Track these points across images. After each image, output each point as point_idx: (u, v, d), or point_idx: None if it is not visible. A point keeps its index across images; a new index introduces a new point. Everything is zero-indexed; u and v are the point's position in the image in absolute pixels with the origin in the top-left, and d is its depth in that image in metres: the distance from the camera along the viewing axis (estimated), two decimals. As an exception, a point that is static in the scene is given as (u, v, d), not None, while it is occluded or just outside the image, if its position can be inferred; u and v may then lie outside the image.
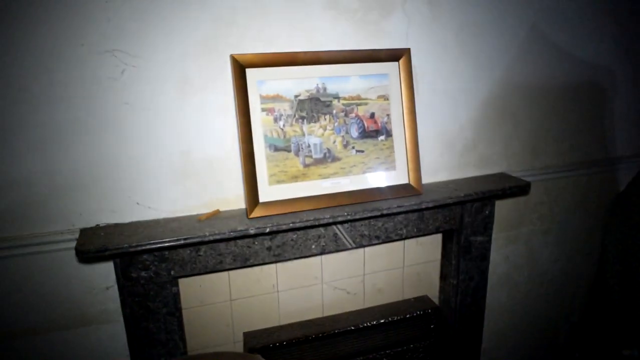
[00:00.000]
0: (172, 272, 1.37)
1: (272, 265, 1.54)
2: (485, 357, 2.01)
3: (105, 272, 1.35)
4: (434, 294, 1.80)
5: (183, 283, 1.46)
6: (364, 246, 1.60)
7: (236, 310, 1.55)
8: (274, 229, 1.30)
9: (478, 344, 1.86)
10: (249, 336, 1.47)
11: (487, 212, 1.65)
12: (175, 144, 1.32)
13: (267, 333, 1.48)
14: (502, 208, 1.83)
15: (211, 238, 1.26)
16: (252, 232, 1.29)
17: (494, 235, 1.78)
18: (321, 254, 1.55)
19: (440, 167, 1.64)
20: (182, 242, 1.23)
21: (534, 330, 2.12)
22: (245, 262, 1.43)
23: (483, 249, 1.73)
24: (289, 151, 1.36)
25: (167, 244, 1.22)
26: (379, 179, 1.45)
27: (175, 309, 1.42)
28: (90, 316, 1.39)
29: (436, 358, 1.60)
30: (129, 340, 1.44)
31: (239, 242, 1.40)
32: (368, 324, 1.51)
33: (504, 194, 1.57)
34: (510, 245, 1.91)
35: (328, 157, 1.40)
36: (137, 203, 1.33)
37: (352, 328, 1.49)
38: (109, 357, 1.46)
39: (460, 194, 1.48)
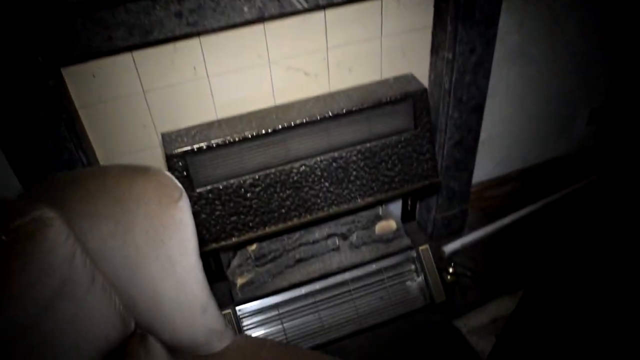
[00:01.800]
0: (40, 59, 1.03)
1: (193, 41, 1.19)
2: (485, 148, 1.80)
3: None
4: (422, 73, 1.49)
5: (70, 75, 1.14)
6: (322, 7, 1.23)
7: (154, 106, 1.26)
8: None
9: (476, 136, 1.62)
10: (167, 139, 1.20)
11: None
12: None
13: (192, 133, 1.21)
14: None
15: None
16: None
17: (506, -9, 1.39)
18: (260, 19, 1.18)
19: None
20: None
21: (545, 117, 1.88)
22: (146, 37, 1.08)
23: (490, 10, 1.36)
24: None
25: None
26: None
27: (60, 109, 1.12)
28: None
29: (419, 152, 1.36)
30: (9, 159, 1.17)
31: (131, 6, 1.03)
32: (330, 113, 1.22)
33: None
34: (529, 6, 1.53)
35: None
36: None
37: (307, 120, 1.21)
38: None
39: None
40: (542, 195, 2.03)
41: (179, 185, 0.91)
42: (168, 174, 0.92)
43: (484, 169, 1.88)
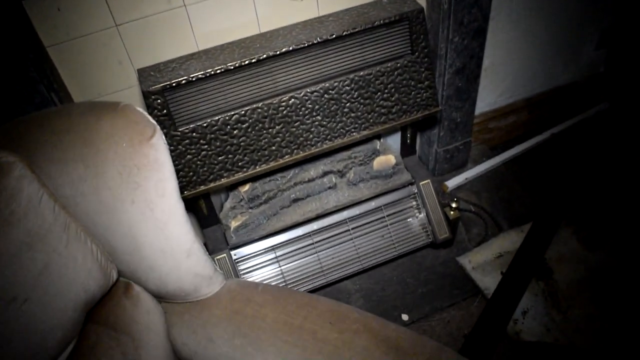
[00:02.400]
0: (-6, -13, 0.93)
1: (164, -36, 1.08)
2: (487, 76, 1.70)
3: None
4: (419, -7, 1.37)
5: (33, 10, 1.04)
6: None
7: (129, 41, 1.16)
8: None
9: (478, 62, 1.52)
10: (144, 74, 1.10)
11: None
12: None
13: (171, 67, 1.11)
14: None
15: None
16: None
17: None
18: (237, -64, 1.07)
19: None
20: None
21: (551, 42, 1.76)
22: (110, -41, 0.98)
23: None
24: None
25: None
26: None
27: (24, 47, 1.03)
28: None
29: (417, 80, 1.26)
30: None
31: None
32: (319, 39, 1.12)
33: None
34: None
35: None
36: None
37: (293, 47, 1.11)
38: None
39: None
40: (549, 126, 1.94)
41: (152, 120, 0.83)
42: (139, 109, 0.83)
43: (487, 98, 1.78)
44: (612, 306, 1.40)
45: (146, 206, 0.83)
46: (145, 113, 0.84)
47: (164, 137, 0.84)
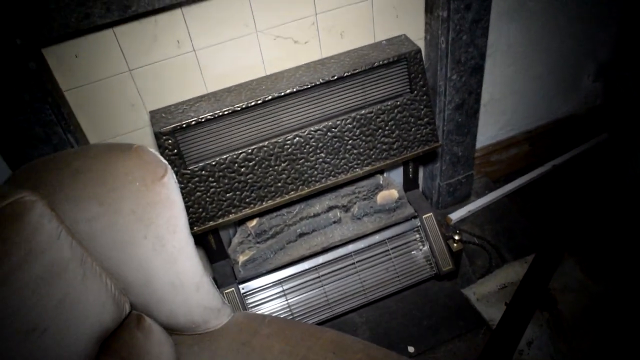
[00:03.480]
0: (18, 41, 1.00)
1: (175, 13, 1.15)
2: (487, 111, 1.75)
3: None
4: (417, 35, 1.44)
5: (52, 57, 1.11)
6: (307, -30, 1.18)
7: (142, 85, 1.23)
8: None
9: (477, 98, 1.57)
10: (156, 116, 1.17)
11: None
12: None
13: (181, 108, 1.18)
14: None
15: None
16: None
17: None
18: (241, -14, 1.14)
19: None
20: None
21: (549, 75, 1.82)
22: (125, 11, 1.05)
23: (485, -38, 1.31)
24: None
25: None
26: None
27: (44, 92, 1.10)
28: None
29: (417, 117, 1.32)
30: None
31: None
32: (321, 80, 1.18)
33: None
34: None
35: None
36: None
37: (297, 89, 1.17)
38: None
39: None
40: (550, 158, 1.98)
41: (164, 160, 0.88)
42: (152, 150, 0.89)
43: (487, 132, 1.83)
44: (617, 335, 1.42)
45: (158, 242, 0.88)
46: (157, 153, 0.89)
47: (174, 176, 0.89)
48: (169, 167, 0.88)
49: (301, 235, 1.41)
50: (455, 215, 1.75)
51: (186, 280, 0.92)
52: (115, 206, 0.85)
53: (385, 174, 1.53)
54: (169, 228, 0.88)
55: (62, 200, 0.84)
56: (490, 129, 1.83)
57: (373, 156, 1.31)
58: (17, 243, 0.73)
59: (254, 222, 1.41)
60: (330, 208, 1.43)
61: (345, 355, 0.89)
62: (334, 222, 1.42)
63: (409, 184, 1.51)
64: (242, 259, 1.37)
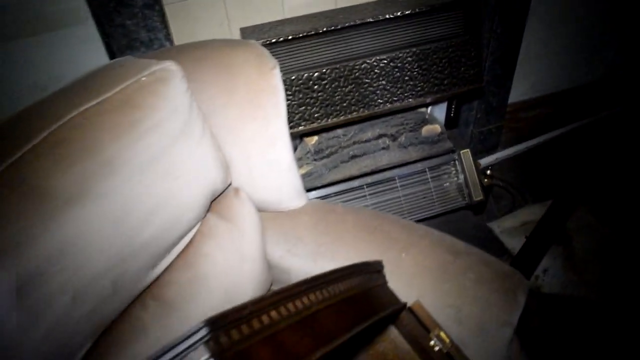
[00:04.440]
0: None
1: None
2: (521, 69, 1.92)
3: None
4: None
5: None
6: None
7: (231, 5, 1.39)
8: None
9: (515, 53, 1.73)
10: (246, 32, 1.33)
11: None
12: None
13: (267, 28, 1.34)
14: None
15: None
16: None
17: None
18: None
19: None
20: None
21: (579, 43, 1.98)
22: None
23: None
24: None
25: None
26: None
27: (154, 1, 1.26)
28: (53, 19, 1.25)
29: (467, 58, 1.48)
30: (106, 43, 1.32)
31: None
32: (390, 15, 1.34)
33: None
34: None
35: None
36: None
37: (370, 20, 1.33)
38: (88, 63, 1.36)
39: None
40: (571, 120, 2.15)
41: (273, 57, 1.05)
42: (264, 47, 1.05)
43: (518, 90, 2.00)
44: (622, 270, 1.60)
45: (263, 124, 1.04)
46: (267, 51, 1.06)
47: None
48: (277, 62, 1.05)
49: (353, 157, 1.58)
50: (484, 161, 1.93)
51: (281, 160, 1.08)
52: (232, 90, 1.02)
53: (429, 110, 1.70)
54: (274, 112, 1.04)
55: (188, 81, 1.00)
56: (521, 87, 2.00)
57: (426, 89, 1.47)
58: (166, 99, 0.89)
59: (314, 140, 1.58)
60: (380, 136, 1.60)
61: (411, 230, 1.07)
62: (383, 149, 1.59)
63: (450, 122, 1.68)
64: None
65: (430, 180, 1.62)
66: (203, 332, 0.51)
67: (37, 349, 0.74)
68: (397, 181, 1.60)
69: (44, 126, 0.75)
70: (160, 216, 0.88)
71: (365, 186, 1.58)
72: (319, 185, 1.54)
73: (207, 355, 0.50)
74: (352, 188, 1.57)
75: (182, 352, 0.50)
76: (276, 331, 0.58)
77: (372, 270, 0.85)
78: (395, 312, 0.86)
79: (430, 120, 1.65)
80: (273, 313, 0.59)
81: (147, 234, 0.87)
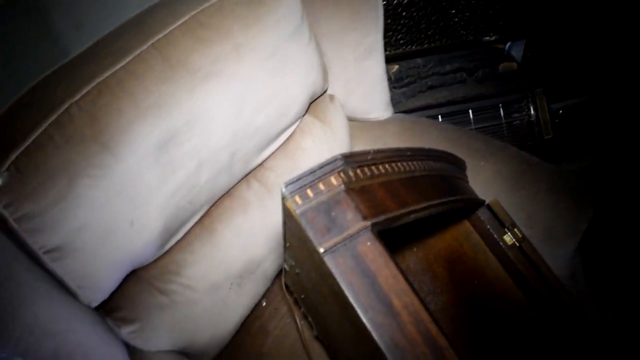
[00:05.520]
0: None
1: None
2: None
3: None
4: None
5: None
6: None
7: None
8: None
9: None
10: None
11: None
12: None
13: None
14: None
15: None
16: None
17: None
18: None
19: None
20: None
21: None
22: None
23: None
24: None
25: None
26: None
27: None
28: None
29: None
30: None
31: None
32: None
33: None
34: None
35: None
36: None
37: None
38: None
39: None
40: None
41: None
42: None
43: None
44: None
45: (363, 34, 1.13)
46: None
47: None
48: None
49: (430, 87, 1.65)
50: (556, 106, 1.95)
51: (375, 70, 1.18)
52: (337, 1, 1.11)
53: (507, 47, 1.74)
54: (373, 25, 1.13)
55: None
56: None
57: (507, 25, 1.52)
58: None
59: (395, 68, 1.65)
60: (458, 69, 1.66)
61: (489, 143, 1.15)
62: (460, 82, 1.65)
63: (527, 61, 1.72)
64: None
65: (502, 115, 1.67)
66: (339, 162, 0.62)
67: (167, 202, 0.87)
68: (471, 114, 1.66)
69: (189, 9, 0.87)
70: (272, 105, 0.99)
71: (439, 116, 1.65)
72: (397, 112, 1.62)
73: (340, 182, 0.61)
74: (428, 117, 1.64)
75: (322, 176, 0.61)
76: (390, 180, 0.69)
77: (459, 163, 0.94)
78: (475, 204, 0.95)
79: (508, 57, 1.69)
80: (387, 166, 0.70)
81: (260, 120, 0.98)
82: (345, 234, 0.58)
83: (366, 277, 0.57)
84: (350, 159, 0.63)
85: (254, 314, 1.07)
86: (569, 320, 0.95)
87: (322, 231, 0.58)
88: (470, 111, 1.66)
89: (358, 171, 0.65)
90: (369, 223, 0.59)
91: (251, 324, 1.06)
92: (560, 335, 0.93)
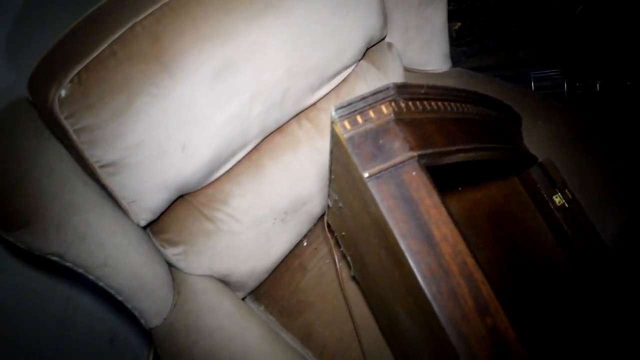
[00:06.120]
0: None
1: None
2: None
3: None
4: None
5: None
6: None
7: None
8: None
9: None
10: None
11: None
12: None
13: None
14: None
15: None
16: None
17: None
18: None
19: None
20: None
21: None
22: None
23: None
24: None
25: None
26: None
27: None
28: None
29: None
30: None
31: None
32: None
33: None
34: None
35: None
36: None
37: None
38: None
39: None
40: None
41: None
42: None
43: None
44: None
45: None
46: None
47: None
48: None
49: (492, 48, 1.59)
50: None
51: (436, 20, 1.14)
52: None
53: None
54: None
55: None
56: None
57: None
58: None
59: (457, 25, 1.61)
60: (524, 31, 1.59)
61: (550, 103, 1.11)
62: (524, 45, 1.59)
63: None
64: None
65: (565, 84, 1.60)
66: (391, 91, 0.61)
67: (218, 131, 0.88)
68: (532, 80, 1.60)
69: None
70: (328, 45, 0.99)
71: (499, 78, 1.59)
72: (455, 70, 1.58)
73: (390, 111, 0.61)
74: (486, 78, 1.59)
75: (373, 103, 0.60)
76: (442, 118, 0.68)
77: (514, 117, 0.92)
78: (527, 160, 0.92)
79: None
80: (440, 103, 0.69)
81: (315, 58, 0.98)
82: (391, 162, 0.58)
83: (408, 205, 0.57)
84: (402, 90, 0.62)
85: (295, 252, 1.09)
86: (611, 288, 0.93)
87: (368, 157, 0.58)
88: (532, 76, 1.59)
89: (410, 103, 0.64)
90: (415, 154, 0.58)
91: (291, 261, 1.09)
92: (601, 302, 0.90)
